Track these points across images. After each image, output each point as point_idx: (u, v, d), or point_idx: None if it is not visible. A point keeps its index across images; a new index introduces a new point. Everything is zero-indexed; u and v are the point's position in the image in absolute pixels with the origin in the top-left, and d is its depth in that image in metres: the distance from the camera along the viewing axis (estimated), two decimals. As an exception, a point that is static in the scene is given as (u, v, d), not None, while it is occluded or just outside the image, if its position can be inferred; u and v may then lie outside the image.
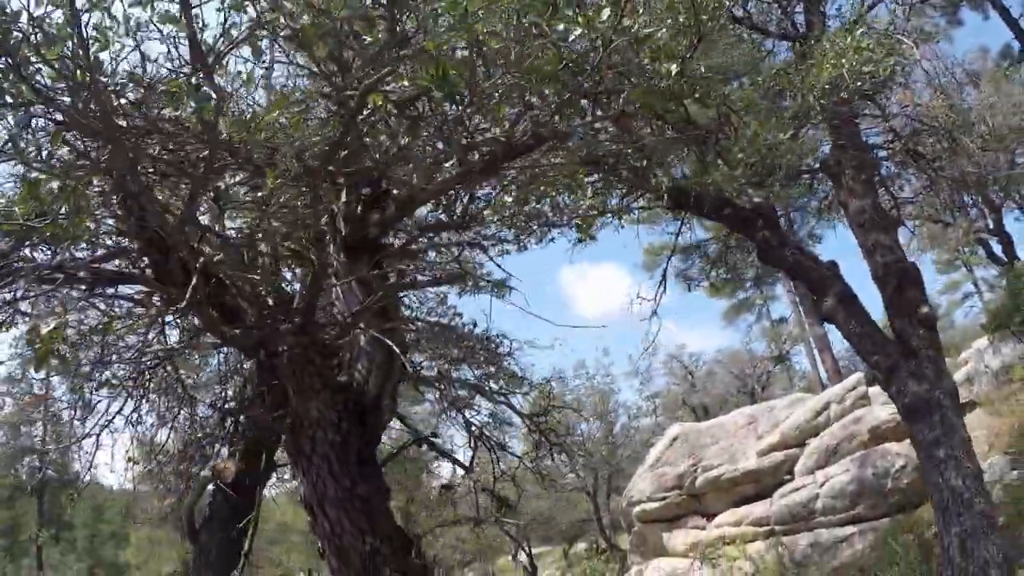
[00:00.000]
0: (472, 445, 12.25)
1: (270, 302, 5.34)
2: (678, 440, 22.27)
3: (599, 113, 6.21)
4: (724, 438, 21.46)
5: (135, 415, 9.24)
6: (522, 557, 38.37)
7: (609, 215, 14.50)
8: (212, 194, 4.39)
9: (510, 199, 7.59)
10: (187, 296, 4.32)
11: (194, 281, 4.38)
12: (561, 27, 4.12)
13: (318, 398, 5.51)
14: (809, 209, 17.85)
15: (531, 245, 10.97)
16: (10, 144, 3.67)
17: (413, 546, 5.69)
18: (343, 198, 5.86)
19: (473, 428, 12.25)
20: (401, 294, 8.27)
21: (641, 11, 5.16)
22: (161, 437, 10.30)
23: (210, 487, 11.94)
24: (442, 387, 11.80)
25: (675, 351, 39.98)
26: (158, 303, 5.19)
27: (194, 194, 4.07)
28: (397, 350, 5.96)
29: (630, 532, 23.51)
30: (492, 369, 12.89)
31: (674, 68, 5.25)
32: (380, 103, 3.83)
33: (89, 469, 11.18)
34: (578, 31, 4.16)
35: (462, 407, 12.31)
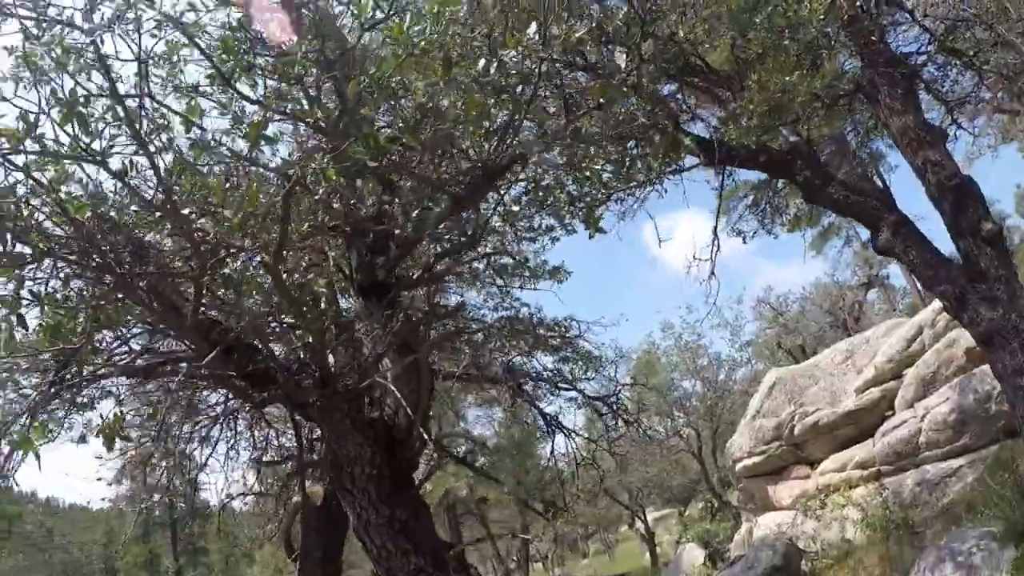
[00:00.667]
0: (548, 433, 12.54)
1: (294, 362, 5.84)
2: (776, 386, 21.84)
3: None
4: (823, 378, 20.98)
5: (233, 452, 10.18)
6: (639, 524, 38.79)
7: (648, 183, 14.57)
8: (220, 280, 4.88)
9: (517, 208, 7.94)
10: (210, 374, 4.86)
11: (210, 355, 4.88)
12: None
13: (352, 438, 5.99)
14: (855, 137, 17.23)
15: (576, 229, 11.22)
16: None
17: (454, 560, 6.16)
18: (352, 250, 6.34)
19: (548, 417, 12.54)
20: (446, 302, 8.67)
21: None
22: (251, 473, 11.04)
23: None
24: (511, 383, 12.08)
25: (762, 294, 39.41)
26: (196, 382, 5.78)
27: (199, 290, 4.56)
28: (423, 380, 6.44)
29: (737, 488, 23.38)
30: (566, 353, 13.15)
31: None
32: (333, 176, 4.21)
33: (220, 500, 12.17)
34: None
35: (533, 399, 12.58)
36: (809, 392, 20.72)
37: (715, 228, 15.34)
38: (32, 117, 4.10)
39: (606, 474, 15.08)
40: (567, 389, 12.56)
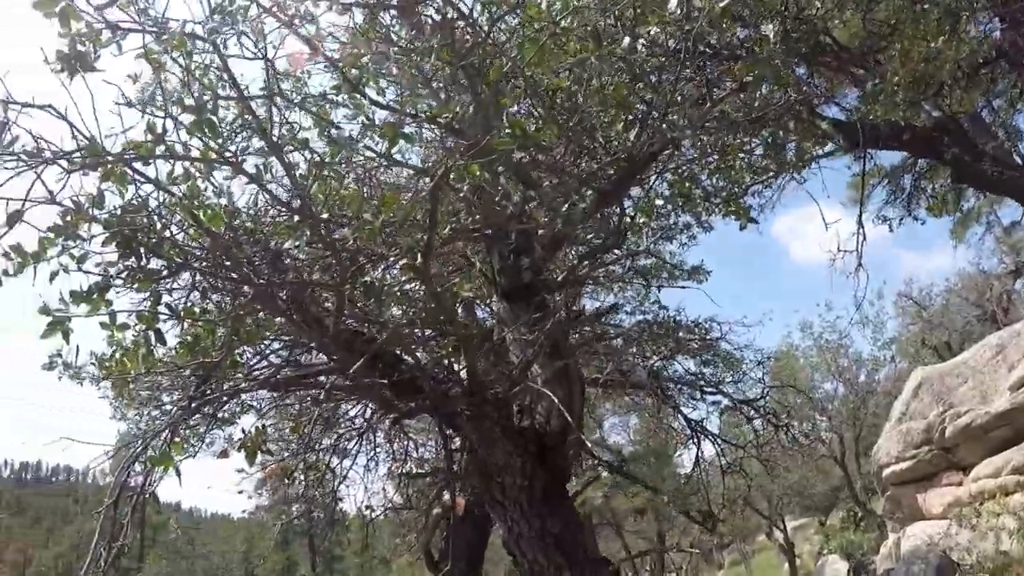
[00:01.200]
0: (695, 441, 12.13)
1: (440, 371, 5.64)
2: (922, 387, 20.47)
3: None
4: (972, 376, 19.23)
5: (372, 464, 10.25)
6: (777, 535, 37.48)
7: (785, 173, 13.90)
8: (361, 289, 4.71)
9: (661, 202, 7.54)
10: (354, 386, 4.69)
11: (356, 366, 4.69)
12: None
13: (501, 447, 5.72)
14: (993, 110, 15.94)
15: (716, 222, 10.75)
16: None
17: (609, 574, 5.80)
18: (494, 253, 6.10)
19: (693, 423, 12.11)
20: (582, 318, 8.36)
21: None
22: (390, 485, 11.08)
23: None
24: (653, 387, 11.71)
25: (904, 287, 37.32)
26: (339, 394, 5.64)
27: (340, 300, 4.38)
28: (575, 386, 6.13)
29: (883, 496, 22.25)
30: (707, 356, 12.73)
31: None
32: (476, 172, 3.95)
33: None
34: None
35: (678, 404, 12.19)
36: (958, 392, 19.32)
37: (860, 216, 14.54)
38: (159, 125, 4.00)
39: (752, 481, 14.50)
40: (711, 393, 12.06)
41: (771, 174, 11.82)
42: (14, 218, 3.65)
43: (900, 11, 10.10)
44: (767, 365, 13.84)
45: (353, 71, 5.06)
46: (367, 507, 12.22)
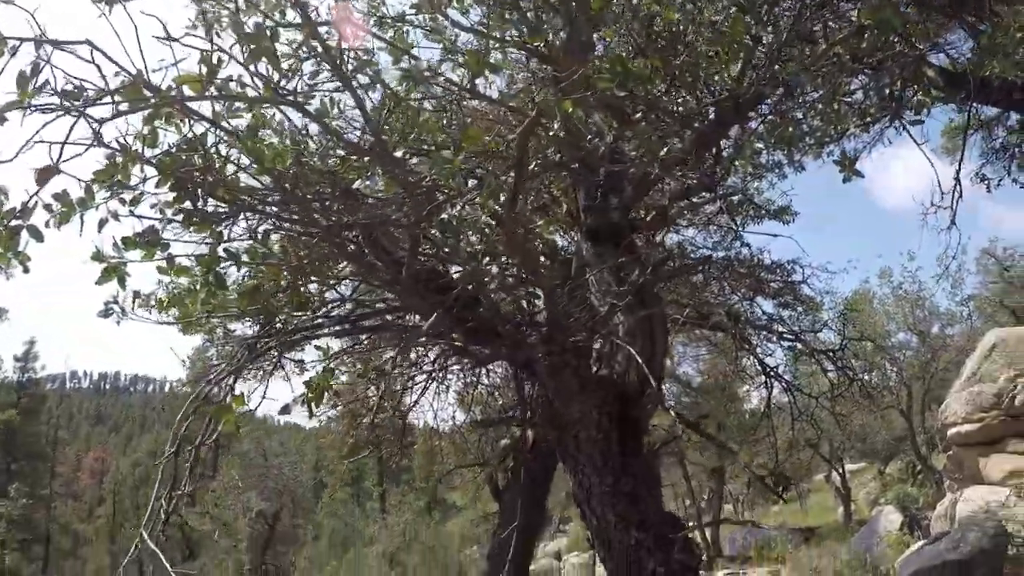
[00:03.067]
0: (767, 386, 11.79)
1: (518, 315, 5.34)
2: (996, 349, 19.79)
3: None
4: None
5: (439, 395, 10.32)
6: (835, 478, 37.06)
7: (884, 119, 13.14)
8: (438, 227, 4.40)
9: (761, 145, 7.04)
10: (428, 328, 4.43)
11: (431, 309, 4.43)
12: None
13: (577, 398, 5.44)
14: None
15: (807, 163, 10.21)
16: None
17: (679, 541, 5.50)
18: (580, 190, 5.72)
19: (768, 368, 11.74)
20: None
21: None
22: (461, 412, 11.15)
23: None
24: (732, 330, 11.34)
25: (988, 245, 35.84)
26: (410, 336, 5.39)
27: (415, 239, 4.10)
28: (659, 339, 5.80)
29: (945, 455, 21.75)
30: (787, 299, 12.32)
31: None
32: (569, 109, 3.57)
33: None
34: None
35: (755, 348, 11.81)
36: (1032, 358, 18.65)
37: (958, 172, 13.75)
38: (215, 58, 3.67)
39: (821, 432, 14.12)
40: (789, 340, 11.62)
41: (872, 119, 11.18)
42: (46, 175, 3.37)
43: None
44: (848, 316, 13.29)
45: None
46: (432, 430, 12.30)
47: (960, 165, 13.05)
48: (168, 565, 4.82)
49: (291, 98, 3.70)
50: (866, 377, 13.02)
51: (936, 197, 12.38)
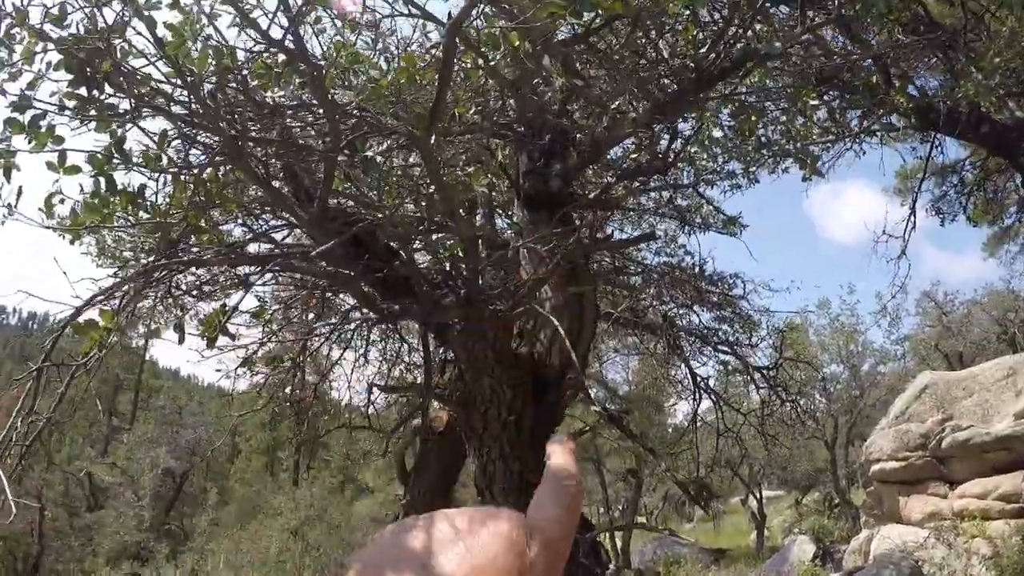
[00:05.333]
0: (695, 397, 11.52)
1: (436, 273, 4.84)
2: (927, 390, 20.08)
3: (816, 19, 5.20)
4: (978, 391, 18.93)
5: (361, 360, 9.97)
6: (752, 502, 37.34)
7: (846, 140, 12.98)
8: (360, 163, 3.88)
9: (720, 134, 6.66)
10: (334, 274, 3.94)
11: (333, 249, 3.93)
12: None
13: (490, 373, 4.97)
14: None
15: (761, 177, 9.99)
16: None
17: (586, 544, 5.06)
18: (522, 153, 5.25)
19: (699, 379, 11.44)
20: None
21: None
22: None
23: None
24: (667, 336, 11.01)
25: (929, 288, 36.41)
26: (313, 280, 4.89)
27: (330, 170, 3.60)
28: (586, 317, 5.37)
29: (866, 490, 21.98)
30: (725, 313, 12.06)
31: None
32: (515, 42, 3.13)
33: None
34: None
35: (687, 357, 11.52)
36: (961, 404, 18.96)
37: (913, 202, 13.75)
38: None
39: (746, 450, 13.94)
40: (724, 352, 11.34)
41: (833, 137, 11.02)
42: None
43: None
44: (785, 335, 13.08)
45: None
46: (346, 406, 11.85)
47: (917, 194, 13.02)
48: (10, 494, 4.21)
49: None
50: (798, 398, 12.82)
51: (889, 226, 12.31)
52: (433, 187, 3.78)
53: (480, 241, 4.84)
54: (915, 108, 10.98)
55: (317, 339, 8.24)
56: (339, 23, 4.18)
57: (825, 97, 8.84)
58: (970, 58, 10.53)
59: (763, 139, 7.41)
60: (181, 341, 3.74)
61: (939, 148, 14.41)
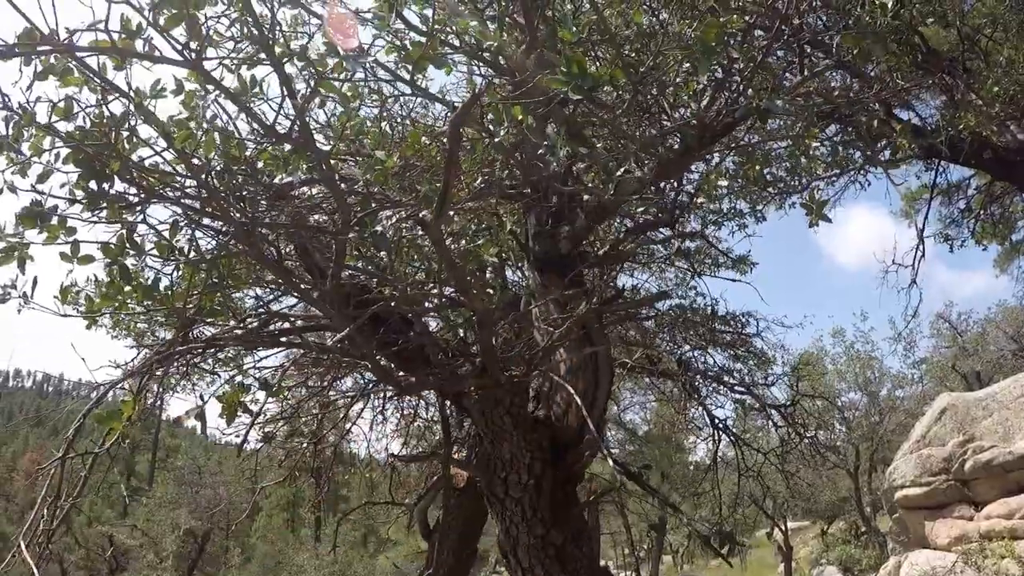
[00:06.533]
0: (715, 439, 11.46)
1: (451, 343, 4.86)
2: (946, 413, 19.79)
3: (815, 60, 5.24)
4: (998, 410, 18.50)
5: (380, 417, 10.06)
6: (777, 535, 36.87)
7: (850, 172, 12.95)
8: (370, 238, 3.92)
9: (725, 183, 6.70)
10: (349, 349, 3.96)
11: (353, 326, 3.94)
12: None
13: (509, 439, 4.96)
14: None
15: (768, 213, 10.06)
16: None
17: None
18: (531, 215, 5.30)
19: (716, 421, 11.40)
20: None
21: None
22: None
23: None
24: (681, 378, 10.98)
25: (942, 309, 36.19)
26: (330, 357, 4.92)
27: (341, 249, 3.64)
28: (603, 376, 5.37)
29: (891, 517, 21.63)
30: (739, 351, 12.02)
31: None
32: (519, 115, 3.18)
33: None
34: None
35: (704, 399, 11.48)
36: (981, 424, 18.56)
37: (922, 230, 13.72)
38: (135, 23, 3.23)
39: (768, 489, 13.85)
40: (741, 392, 11.30)
41: (838, 171, 11.05)
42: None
43: (1005, 16, 9.29)
44: (800, 370, 13.05)
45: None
46: (366, 465, 11.88)
47: (925, 223, 13.00)
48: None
49: (191, 56, 3.22)
50: (816, 435, 12.75)
51: (897, 256, 12.28)
52: (445, 268, 3.80)
53: (495, 308, 4.86)
54: (916, 137, 11.02)
55: (335, 403, 8.29)
56: (345, 83, 4.25)
57: (827, 131, 8.88)
58: (969, 85, 10.59)
59: (768, 176, 7.44)
60: (204, 431, 3.75)
61: (943, 174, 14.42)
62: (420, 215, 3.44)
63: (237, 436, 9.92)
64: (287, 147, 3.61)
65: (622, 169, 4.26)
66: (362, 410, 9.71)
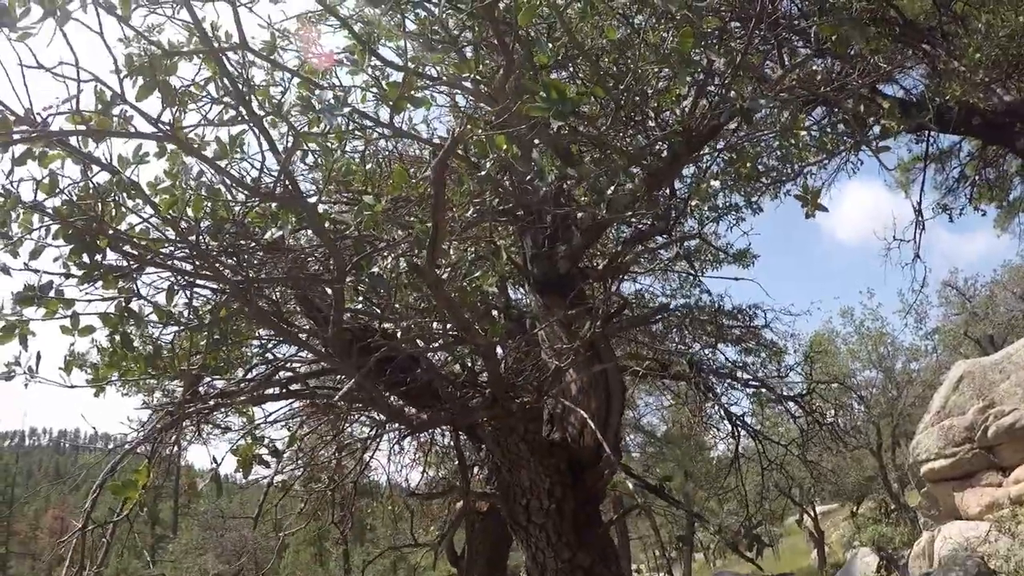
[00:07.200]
0: (734, 436, 11.38)
1: (459, 376, 4.83)
2: (964, 380, 19.55)
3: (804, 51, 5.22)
4: (1015, 372, 18.30)
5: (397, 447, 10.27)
6: (807, 521, 36.64)
7: (842, 155, 12.92)
8: (367, 281, 3.90)
9: (717, 183, 6.66)
10: (358, 394, 3.94)
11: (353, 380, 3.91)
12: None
13: (527, 465, 4.92)
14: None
15: (764, 203, 10.04)
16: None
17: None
18: (527, 238, 5.28)
19: (734, 418, 11.32)
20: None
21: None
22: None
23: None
24: (694, 379, 10.92)
25: (948, 277, 36.01)
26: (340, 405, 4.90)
27: (339, 296, 3.61)
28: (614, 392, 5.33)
29: (919, 491, 21.44)
30: (750, 345, 11.96)
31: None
32: (503, 145, 3.16)
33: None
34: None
35: (719, 396, 11.41)
36: (1000, 388, 18.36)
37: (918, 204, 13.67)
38: (109, 94, 3.22)
39: (792, 480, 13.78)
40: (754, 386, 11.23)
41: (827, 155, 11.02)
42: None
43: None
44: (812, 358, 12.99)
45: (361, 25, 4.23)
46: (387, 497, 11.86)
47: (921, 196, 12.95)
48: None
49: (165, 128, 3.21)
50: (836, 420, 12.67)
51: (897, 231, 12.24)
52: (443, 307, 3.77)
53: (500, 338, 4.84)
54: (903, 110, 10.98)
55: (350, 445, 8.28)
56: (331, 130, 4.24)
57: (813, 115, 8.84)
58: (951, 53, 10.55)
59: (760, 167, 7.41)
60: (219, 494, 3.73)
61: (934, 144, 14.38)
62: (412, 263, 3.41)
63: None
64: (274, 205, 3.59)
65: (614, 185, 4.23)
66: (379, 444, 9.75)
